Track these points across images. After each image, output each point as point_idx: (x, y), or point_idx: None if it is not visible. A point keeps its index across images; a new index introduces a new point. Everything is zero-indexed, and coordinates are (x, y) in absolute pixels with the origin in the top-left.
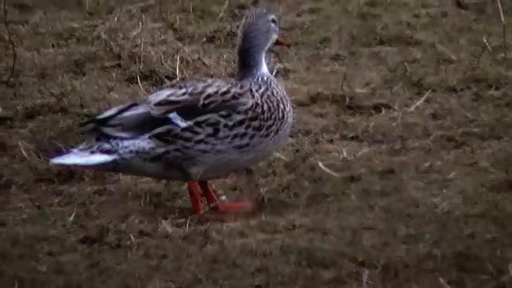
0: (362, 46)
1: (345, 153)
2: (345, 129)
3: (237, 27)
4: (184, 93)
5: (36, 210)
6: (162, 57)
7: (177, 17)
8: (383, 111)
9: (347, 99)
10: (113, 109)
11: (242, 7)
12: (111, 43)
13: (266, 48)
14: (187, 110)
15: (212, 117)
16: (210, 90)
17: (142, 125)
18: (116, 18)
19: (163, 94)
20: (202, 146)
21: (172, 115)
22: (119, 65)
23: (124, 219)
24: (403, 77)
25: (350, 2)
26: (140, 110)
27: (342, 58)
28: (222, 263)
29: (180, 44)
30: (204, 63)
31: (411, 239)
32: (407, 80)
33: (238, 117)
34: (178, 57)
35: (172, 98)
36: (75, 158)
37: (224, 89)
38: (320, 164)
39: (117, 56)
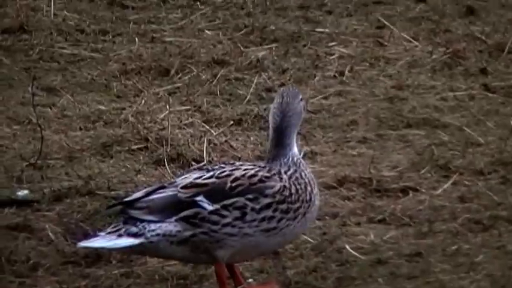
0: (389, 129)
1: (372, 236)
2: (372, 212)
3: (273, 107)
4: (211, 176)
5: None
6: (190, 140)
7: (204, 100)
8: (410, 194)
9: (374, 182)
10: (140, 192)
11: (269, 90)
12: (139, 126)
13: (299, 128)
14: (214, 193)
15: (239, 200)
16: (237, 173)
17: (169, 208)
18: (143, 101)
19: (190, 177)
20: (229, 230)
21: (199, 198)
22: (146, 148)
23: None
24: (430, 160)
25: (377, 85)
26: (167, 192)
27: (369, 141)
28: None
29: (207, 127)
30: (231, 146)
31: None
32: (435, 163)
33: (266, 201)
34: (205, 140)
35: (199, 180)
36: (102, 242)
37: (251, 172)
38: (347, 246)
39: (145, 139)
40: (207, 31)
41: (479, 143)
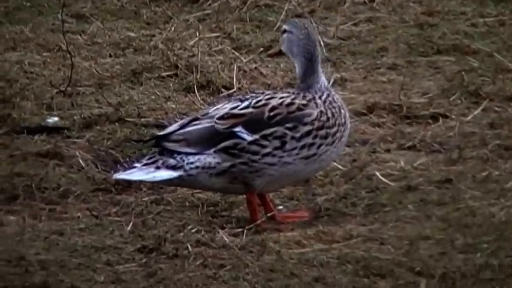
0: (419, 55)
1: (402, 163)
2: (402, 138)
3: (301, 37)
4: (247, 106)
5: (94, 220)
6: (219, 67)
7: (234, 27)
8: (440, 121)
9: (404, 108)
10: (175, 124)
11: (299, 16)
12: (168, 53)
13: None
14: (252, 123)
15: (279, 130)
16: (274, 102)
17: (207, 140)
18: (173, 28)
19: (226, 107)
20: (269, 159)
21: (238, 129)
22: (176, 75)
23: (181, 229)
24: (460, 87)
25: (407, 11)
26: (203, 124)
27: (399, 68)
28: (279, 272)
29: (237, 54)
30: (261, 73)
31: (469, 248)
32: (465, 90)
33: (305, 129)
34: (235, 67)
35: (236, 111)
36: (140, 174)
37: (288, 100)
38: (377, 173)
39: (174, 66)
40: None
41: (510, 69)
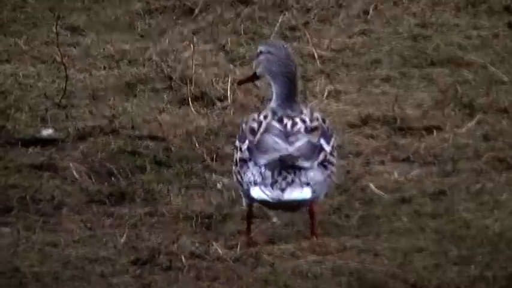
0: (413, 67)
1: (396, 175)
2: (396, 150)
3: (283, 57)
4: (312, 120)
5: (88, 232)
6: (213, 79)
7: (228, 39)
8: (434, 133)
9: (398, 120)
10: (272, 142)
11: (293, 29)
12: (163, 65)
13: None
14: (324, 135)
15: (335, 140)
16: (317, 115)
17: (312, 154)
18: (167, 40)
19: (298, 123)
20: (336, 170)
21: (322, 141)
22: (170, 87)
23: (175, 240)
24: (454, 99)
25: (401, 23)
26: (304, 139)
27: (393, 79)
28: (274, 285)
29: (231, 66)
30: (255, 85)
31: (463, 260)
32: (459, 102)
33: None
34: (229, 79)
35: (308, 124)
36: (302, 193)
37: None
38: (371, 185)
39: (168, 78)
40: None
41: (503, 81)
